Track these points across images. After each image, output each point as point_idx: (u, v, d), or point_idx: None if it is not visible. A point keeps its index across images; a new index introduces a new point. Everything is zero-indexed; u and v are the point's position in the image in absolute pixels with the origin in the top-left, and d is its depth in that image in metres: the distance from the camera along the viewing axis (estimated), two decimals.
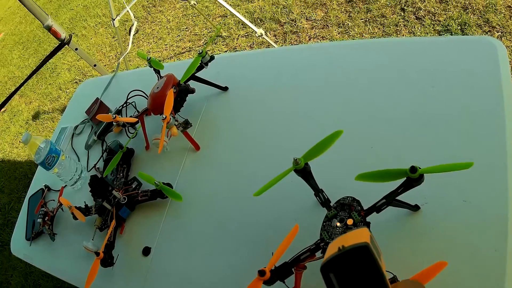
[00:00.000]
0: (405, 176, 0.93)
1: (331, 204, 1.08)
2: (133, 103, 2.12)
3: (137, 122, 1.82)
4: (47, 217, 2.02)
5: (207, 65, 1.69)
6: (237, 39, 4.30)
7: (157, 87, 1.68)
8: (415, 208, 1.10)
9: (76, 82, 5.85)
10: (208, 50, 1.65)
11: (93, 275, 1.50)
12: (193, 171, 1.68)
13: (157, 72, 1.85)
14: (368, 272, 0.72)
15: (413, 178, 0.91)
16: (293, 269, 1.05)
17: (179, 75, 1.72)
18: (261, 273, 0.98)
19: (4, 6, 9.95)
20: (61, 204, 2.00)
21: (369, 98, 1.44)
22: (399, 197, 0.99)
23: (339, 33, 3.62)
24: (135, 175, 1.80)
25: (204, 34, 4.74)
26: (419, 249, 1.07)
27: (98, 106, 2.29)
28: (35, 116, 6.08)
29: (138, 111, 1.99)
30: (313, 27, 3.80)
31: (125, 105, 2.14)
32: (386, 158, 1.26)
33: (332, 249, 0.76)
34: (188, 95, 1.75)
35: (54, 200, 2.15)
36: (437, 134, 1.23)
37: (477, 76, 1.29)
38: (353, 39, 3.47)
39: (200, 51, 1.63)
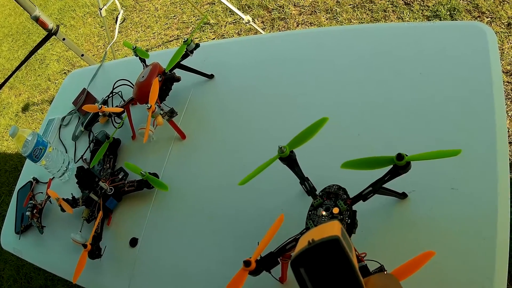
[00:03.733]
0: (391, 163, 0.91)
1: (317, 192, 1.06)
2: (120, 93, 2.10)
3: (123, 112, 1.81)
4: (35, 210, 2.01)
5: (193, 53, 1.67)
6: (225, 26, 4.27)
7: (142, 76, 1.67)
8: (403, 196, 1.09)
9: (65, 73, 5.82)
10: (196, 38, 1.64)
11: (81, 267, 1.50)
12: (179, 160, 1.67)
13: (143, 61, 1.83)
14: (340, 266, 0.70)
15: (399, 165, 0.90)
16: (279, 259, 1.04)
17: (165, 63, 1.71)
18: (247, 263, 0.96)
19: None
20: (49, 197, 1.99)
21: (356, 85, 1.43)
22: (386, 185, 0.97)
23: (327, 19, 3.60)
24: (122, 165, 1.78)
25: (192, 21, 4.72)
26: (406, 238, 1.05)
27: (85, 97, 2.26)
28: (25, 108, 6.05)
29: (124, 101, 1.98)
30: (301, 13, 3.77)
31: (111, 95, 2.12)
32: (374, 146, 1.25)
33: (303, 243, 0.74)
34: (174, 83, 1.74)
35: (42, 192, 2.14)
36: (425, 122, 1.22)
37: (466, 63, 1.27)
38: (341, 25, 3.45)
39: (186, 39, 1.61)
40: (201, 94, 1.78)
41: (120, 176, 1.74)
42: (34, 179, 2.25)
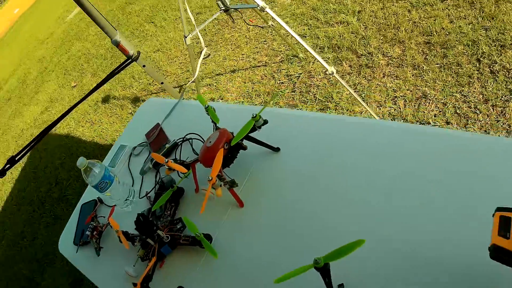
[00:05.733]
0: None
1: None
2: (190, 141, 2.29)
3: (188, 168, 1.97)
4: (95, 232, 2.24)
5: (260, 128, 1.79)
6: (313, 62, 4.39)
7: (210, 142, 1.83)
8: None
9: None
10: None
11: None
12: (234, 226, 1.81)
13: (213, 122, 1.98)
14: None
15: None
16: None
17: (235, 125, 1.86)
18: None
19: None
20: (109, 223, 2.20)
21: (415, 194, 1.46)
22: None
23: (413, 75, 3.67)
24: (182, 215, 1.97)
25: (281, 50, 4.85)
26: None
27: (158, 133, 2.49)
28: (105, 100, 6.32)
29: (193, 150, 2.19)
30: (388, 64, 3.87)
31: (181, 143, 2.32)
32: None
33: None
34: (240, 151, 1.87)
35: (104, 217, 2.36)
36: None
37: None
38: (426, 85, 3.52)
39: (254, 114, 1.74)
40: (264, 167, 1.90)
41: (178, 226, 1.92)
42: (99, 199, 2.48)
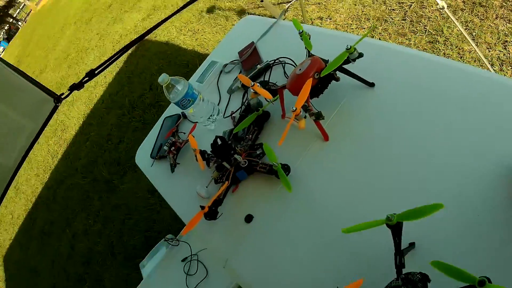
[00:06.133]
0: (472, 283, 0.97)
1: (403, 271, 1.16)
2: (283, 64, 2.22)
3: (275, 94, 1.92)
4: (173, 147, 2.27)
5: (355, 61, 1.68)
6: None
7: (300, 69, 1.76)
8: None
9: None
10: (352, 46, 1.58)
11: (192, 224, 1.72)
12: (315, 160, 1.76)
13: (307, 49, 1.88)
14: None
15: None
16: None
17: (330, 53, 1.76)
18: None
19: None
20: (188, 141, 2.21)
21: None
22: None
23: None
24: (264, 140, 1.96)
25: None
26: None
27: (251, 52, 2.45)
28: (210, 10, 6.31)
29: (285, 73, 2.14)
30: (502, 6, 3.62)
31: (272, 65, 2.26)
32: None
33: None
34: (332, 81, 1.78)
35: (185, 132, 2.40)
36: None
37: None
38: None
39: (349, 46, 1.62)
40: (356, 101, 1.80)
41: (257, 152, 1.91)
42: (183, 114, 2.51)
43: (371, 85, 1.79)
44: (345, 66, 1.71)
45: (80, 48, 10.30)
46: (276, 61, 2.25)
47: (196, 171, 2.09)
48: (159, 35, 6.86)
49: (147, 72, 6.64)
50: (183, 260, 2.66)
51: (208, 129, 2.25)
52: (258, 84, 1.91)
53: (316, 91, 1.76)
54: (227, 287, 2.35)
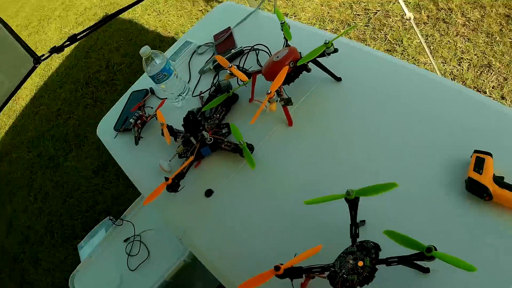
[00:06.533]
0: (420, 250, 1.13)
1: (357, 240, 1.31)
2: (257, 52, 2.34)
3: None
4: (139, 121, 2.32)
5: (329, 55, 1.83)
6: (394, 3, 4.36)
7: (277, 57, 1.90)
8: (425, 270, 1.29)
9: None
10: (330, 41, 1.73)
11: (155, 195, 1.81)
12: (278, 143, 1.89)
13: (285, 39, 2.04)
14: None
15: (426, 256, 1.12)
16: (304, 275, 1.32)
17: (304, 46, 1.90)
18: (276, 268, 1.24)
19: None
20: (155, 115, 2.27)
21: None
22: None
23: (484, 42, 3.65)
24: (230, 121, 2.06)
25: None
26: None
27: (227, 37, 2.56)
28: None
29: (258, 61, 2.26)
30: (464, 25, 3.82)
31: (247, 52, 2.37)
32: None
33: None
34: (303, 72, 1.93)
35: (152, 108, 2.48)
36: None
37: None
38: (494, 55, 3.47)
39: (327, 41, 1.78)
40: (323, 92, 1.96)
41: (223, 131, 2.03)
42: (151, 90, 2.58)
43: (338, 79, 1.94)
44: (319, 59, 1.86)
45: (42, 16, 10.11)
46: (252, 48, 2.35)
47: (160, 147, 2.18)
48: (124, 12, 6.82)
49: (106, 49, 6.64)
50: (125, 241, 2.75)
51: (175, 106, 2.34)
52: (235, 65, 2.02)
53: (288, 79, 1.90)
54: (168, 268, 2.46)
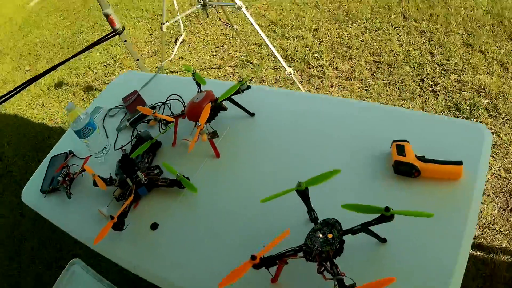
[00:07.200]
0: (380, 213, 1.29)
1: (319, 221, 1.44)
2: (169, 104, 2.51)
3: (172, 122, 2.19)
4: (67, 178, 2.34)
5: (243, 92, 2.07)
6: (266, 69, 4.72)
7: (197, 98, 2.08)
8: (383, 240, 1.48)
9: (105, 65, 6.23)
10: (245, 78, 2.02)
11: (103, 234, 1.85)
12: (209, 173, 2.04)
13: (199, 85, 2.25)
14: None
15: (385, 215, 1.28)
16: (277, 261, 1.41)
17: (216, 92, 2.14)
18: (253, 257, 1.32)
19: None
20: (83, 170, 2.31)
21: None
22: (374, 230, 1.40)
23: (359, 88, 4.01)
24: (158, 164, 2.16)
25: (237, 56, 5.14)
26: (377, 267, 1.47)
27: (136, 98, 2.69)
28: (58, 85, 6.35)
29: (172, 113, 2.40)
30: (337, 77, 4.19)
31: (163, 104, 2.53)
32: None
33: None
34: (221, 111, 2.14)
35: (77, 165, 2.49)
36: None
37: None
38: (371, 97, 3.86)
39: (241, 79, 2.02)
40: (240, 126, 2.19)
41: (155, 172, 2.11)
42: (71, 152, 2.61)
43: (252, 114, 2.19)
44: (233, 97, 2.08)
45: None
46: (165, 101, 2.53)
47: (94, 196, 2.22)
48: (8, 108, 6.69)
49: None
50: None
51: (99, 162, 2.40)
52: (157, 112, 2.18)
53: (209, 118, 2.05)
54: None
